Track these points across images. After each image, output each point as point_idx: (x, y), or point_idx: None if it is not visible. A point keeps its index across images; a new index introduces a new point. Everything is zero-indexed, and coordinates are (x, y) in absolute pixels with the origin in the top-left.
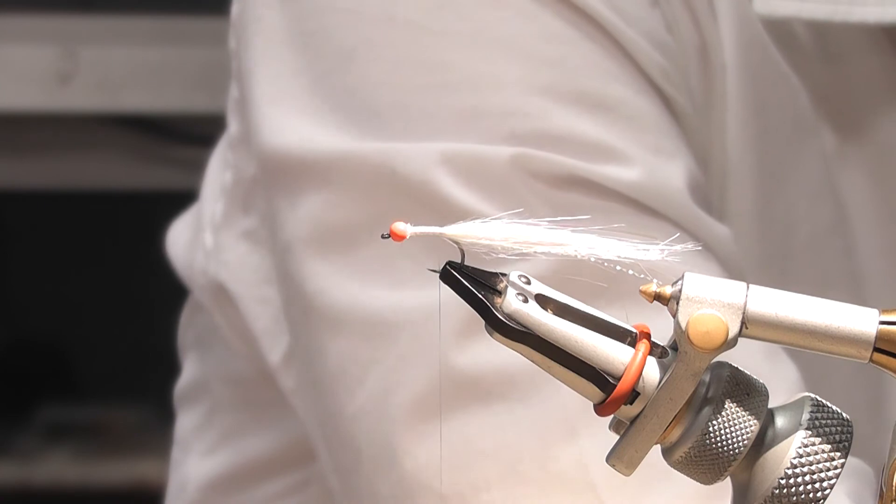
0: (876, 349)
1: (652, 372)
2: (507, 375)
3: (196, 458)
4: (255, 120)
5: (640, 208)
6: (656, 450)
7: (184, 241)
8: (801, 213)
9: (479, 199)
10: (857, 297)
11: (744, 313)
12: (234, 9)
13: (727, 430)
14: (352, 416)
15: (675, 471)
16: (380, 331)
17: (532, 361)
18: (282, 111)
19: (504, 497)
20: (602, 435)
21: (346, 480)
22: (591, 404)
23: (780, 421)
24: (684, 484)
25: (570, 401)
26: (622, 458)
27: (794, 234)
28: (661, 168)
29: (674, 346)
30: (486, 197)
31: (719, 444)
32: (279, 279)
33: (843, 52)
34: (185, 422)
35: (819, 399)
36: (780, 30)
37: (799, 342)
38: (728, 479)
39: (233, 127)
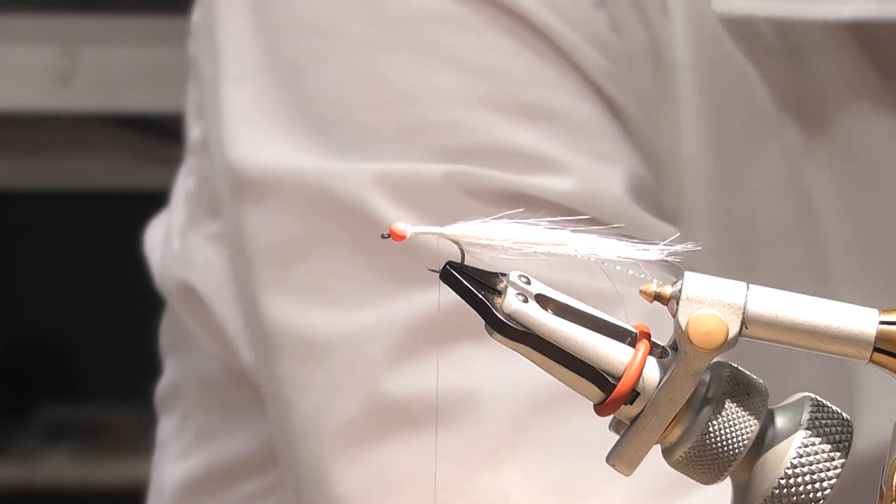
0: (876, 349)
1: (652, 372)
2: (433, 401)
3: (172, 460)
4: (216, 128)
5: (575, 215)
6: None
7: (157, 241)
8: (763, 207)
9: (414, 219)
10: (824, 290)
11: (744, 313)
12: (196, 16)
13: (727, 430)
14: (292, 437)
15: (603, 492)
16: (314, 353)
17: (532, 361)
18: (236, 123)
19: None
20: (526, 462)
21: (294, 495)
22: (517, 431)
23: (780, 421)
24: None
25: (493, 428)
26: (622, 458)
27: (756, 228)
28: (600, 175)
29: (674, 346)
30: (420, 216)
31: (719, 444)
32: (237, 281)
33: (806, 48)
34: (164, 425)
35: (819, 399)
36: (743, 27)
37: (799, 342)
38: (728, 479)
39: (194, 132)
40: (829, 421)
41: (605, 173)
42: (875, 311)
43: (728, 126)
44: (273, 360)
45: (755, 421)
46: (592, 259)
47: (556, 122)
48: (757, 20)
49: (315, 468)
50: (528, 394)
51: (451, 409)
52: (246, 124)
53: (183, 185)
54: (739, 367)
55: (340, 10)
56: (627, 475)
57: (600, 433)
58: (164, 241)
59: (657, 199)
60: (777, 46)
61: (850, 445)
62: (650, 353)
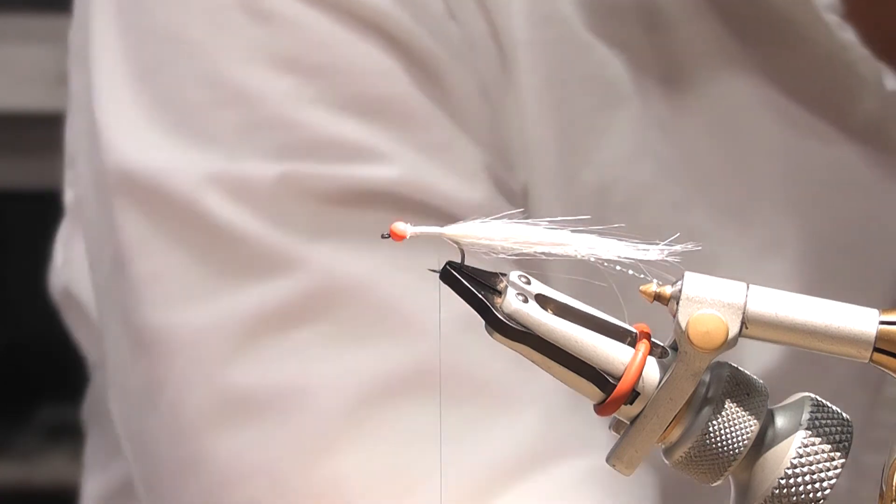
0: (876, 349)
1: (652, 372)
2: (272, 392)
3: (95, 474)
4: (90, 131)
5: (405, 204)
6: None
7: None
8: (616, 175)
9: (249, 218)
10: (696, 254)
11: (744, 313)
12: (71, 32)
13: (727, 430)
14: (150, 433)
15: (435, 479)
16: (161, 352)
17: (532, 361)
18: (110, 124)
19: None
20: (362, 450)
21: (147, 494)
22: (353, 420)
23: (780, 421)
24: (449, 489)
25: (330, 417)
26: (622, 458)
27: (610, 196)
28: (429, 162)
29: (674, 346)
30: (256, 215)
31: (719, 444)
32: (96, 287)
33: (667, 20)
34: (87, 443)
35: (819, 399)
36: (602, 3)
37: (799, 342)
38: (728, 478)
39: (71, 146)
40: (829, 421)
41: (436, 161)
42: (875, 311)
43: (572, 101)
44: (131, 360)
45: (755, 421)
46: (592, 259)
47: (386, 114)
48: None
49: (177, 466)
50: (364, 383)
51: (288, 398)
52: (118, 125)
53: (66, 198)
54: (739, 367)
55: (187, 17)
56: (627, 475)
57: (431, 422)
58: (54, 252)
59: (503, 181)
60: (637, 20)
61: (850, 445)
62: (650, 353)
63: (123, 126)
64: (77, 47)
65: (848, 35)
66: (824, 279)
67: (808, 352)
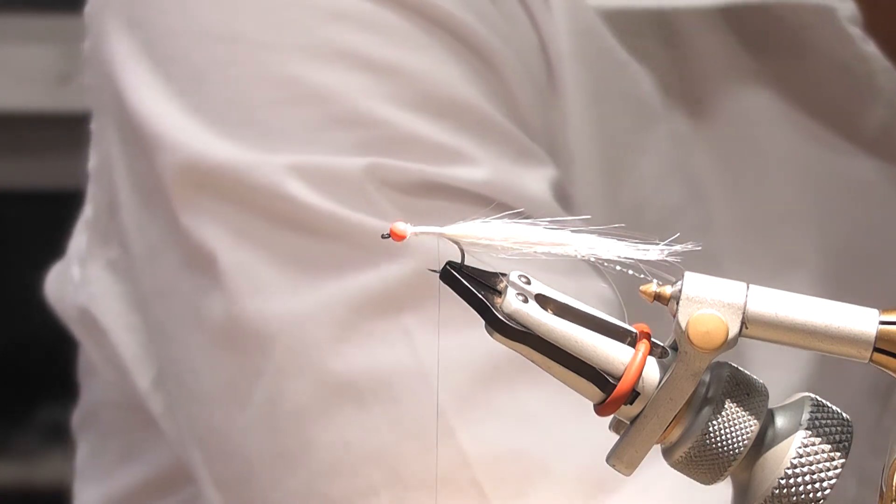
0: (876, 349)
1: (652, 372)
2: (381, 376)
3: (93, 484)
4: (154, 141)
5: (491, 204)
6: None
7: (56, 280)
8: (651, 194)
9: (334, 205)
10: (715, 270)
11: (744, 313)
12: (86, 45)
13: (727, 430)
14: (242, 429)
15: (561, 460)
16: (256, 343)
17: (532, 361)
18: (158, 125)
19: (392, 501)
20: (479, 429)
21: (234, 493)
22: (466, 401)
23: (780, 421)
24: (566, 479)
25: (444, 397)
26: (622, 458)
27: (645, 214)
28: (511, 167)
29: (674, 346)
30: (342, 203)
31: (719, 444)
32: (152, 295)
33: (683, 36)
34: (82, 450)
35: (819, 399)
36: (623, 19)
37: (799, 342)
38: (728, 479)
39: (91, 161)
40: (829, 421)
41: (516, 166)
42: (875, 312)
43: (612, 117)
44: (210, 355)
45: (755, 421)
46: (592, 259)
47: (462, 117)
48: (631, 11)
49: (277, 456)
50: (474, 365)
51: (400, 382)
52: (175, 128)
53: (84, 214)
54: (739, 367)
55: (238, 14)
56: (627, 475)
57: (546, 402)
58: (62, 273)
59: (561, 188)
60: (656, 36)
61: (850, 445)
62: (650, 353)
63: (180, 127)
64: (96, 60)
65: (870, 47)
66: (844, 293)
67: (831, 369)
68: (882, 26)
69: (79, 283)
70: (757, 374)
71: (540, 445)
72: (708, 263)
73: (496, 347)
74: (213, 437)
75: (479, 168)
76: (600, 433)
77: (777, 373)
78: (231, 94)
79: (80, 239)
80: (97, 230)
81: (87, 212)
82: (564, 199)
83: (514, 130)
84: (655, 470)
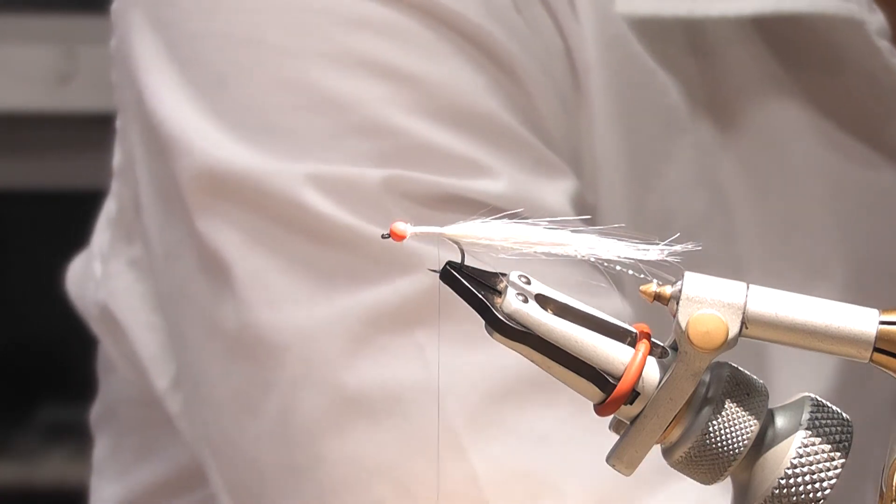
0: (876, 349)
1: (652, 372)
2: (394, 391)
3: (111, 480)
4: (173, 144)
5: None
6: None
7: (78, 274)
8: (677, 203)
9: (351, 217)
10: (740, 279)
11: (744, 313)
12: (112, 42)
13: (727, 430)
14: (253, 439)
15: (572, 481)
16: (269, 354)
17: (532, 361)
18: (179, 129)
19: None
20: (490, 448)
21: (245, 501)
22: (479, 420)
23: (780, 421)
24: (577, 501)
25: (455, 416)
26: (622, 458)
27: (671, 223)
28: (530, 179)
29: (674, 346)
30: (359, 215)
31: (719, 444)
32: (170, 297)
33: (712, 45)
34: (100, 446)
35: (819, 399)
36: (651, 27)
37: (799, 342)
38: (728, 479)
39: (116, 157)
40: (829, 421)
41: (535, 178)
42: (875, 311)
43: (639, 126)
44: (224, 363)
45: (755, 421)
46: (592, 259)
47: (483, 129)
48: (660, 20)
49: (285, 467)
50: (488, 382)
51: (410, 399)
52: (195, 132)
53: (106, 211)
54: (739, 368)
55: (261, 19)
56: (627, 475)
57: (559, 422)
58: (84, 269)
59: (582, 198)
60: (685, 44)
61: (850, 445)
62: (650, 353)
63: (199, 132)
64: (121, 58)
65: None
66: (869, 303)
67: (853, 382)
68: None
69: (100, 279)
70: (779, 388)
71: (551, 466)
72: (733, 272)
73: (509, 366)
74: (225, 444)
75: (498, 181)
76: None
77: (799, 386)
78: (251, 99)
79: (102, 236)
80: (121, 227)
81: (111, 208)
82: (587, 209)
83: (533, 141)
84: (663, 495)
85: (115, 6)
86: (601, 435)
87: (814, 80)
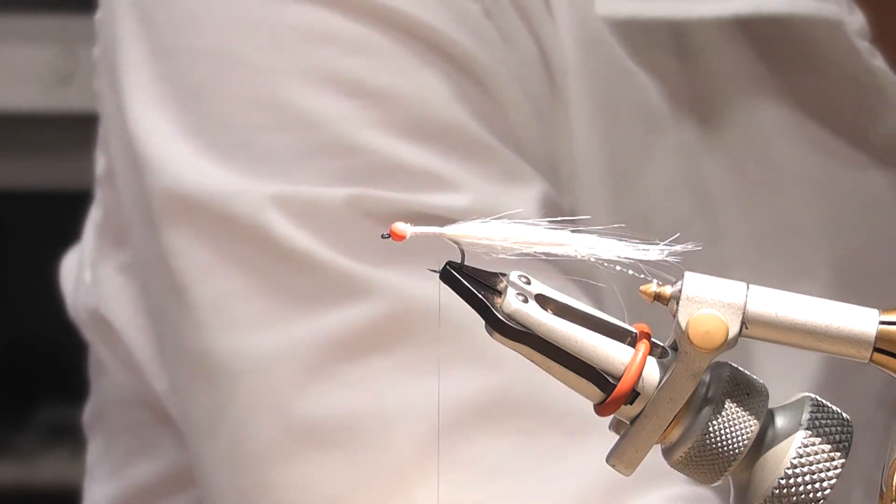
0: (876, 349)
1: (652, 372)
2: (344, 422)
3: (101, 481)
4: (130, 156)
5: None
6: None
7: (69, 277)
8: (659, 204)
9: (314, 241)
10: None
11: (744, 313)
12: (96, 51)
13: (727, 430)
14: (210, 461)
15: None
16: (224, 379)
17: (532, 361)
18: (153, 148)
19: None
20: (433, 483)
21: None
22: (427, 452)
23: (780, 421)
24: None
25: (404, 449)
26: (622, 458)
27: (652, 224)
28: (499, 190)
29: (674, 346)
30: (322, 238)
31: (719, 444)
32: (150, 307)
33: (696, 46)
34: (92, 448)
35: (819, 399)
36: (633, 28)
37: (799, 342)
38: (728, 479)
39: (99, 164)
40: (829, 421)
41: (502, 190)
42: (875, 312)
43: (619, 127)
44: (190, 385)
45: (755, 421)
46: (592, 259)
47: (450, 142)
48: (640, 21)
49: (238, 494)
50: (434, 414)
51: (361, 429)
52: (164, 148)
53: (92, 217)
54: (739, 368)
55: (236, 35)
56: (627, 475)
57: (509, 454)
58: (76, 273)
59: (557, 205)
60: (667, 45)
61: (850, 445)
62: (650, 353)
63: (170, 149)
64: (105, 67)
65: (878, 61)
66: (855, 303)
67: (837, 379)
68: (891, 40)
69: (90, 285)
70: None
71: (501, 499)
72: (718, 273)
73: (459, 396)
74: (194, 460)
75: (461, 194)
76: (567, 480)
77: (782, 384)
78: (222, 116)
79: (89, 243)
80: (108, 233)
81: (96, 215)
82: (563, 213)
83: (501, 150)
84: None
85: (99, 16)
86: (551, 465)
87: (798, 80)
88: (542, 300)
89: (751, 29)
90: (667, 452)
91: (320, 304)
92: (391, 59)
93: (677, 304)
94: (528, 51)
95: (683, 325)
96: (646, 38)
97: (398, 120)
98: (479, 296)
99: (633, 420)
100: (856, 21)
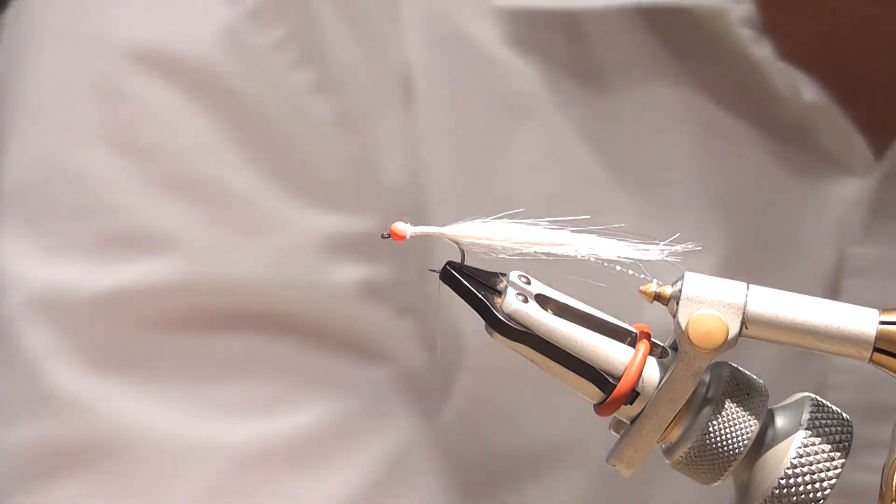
0: (876, 349)
1: (652, 372)
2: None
3: None
4: None
5: (193, 306)
6: None
7: None
8: (521, 185)
9: (55, 345)
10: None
11: (744, 313)
12: None
13: (727, 430)
14: None
15: None
16: None
17: (532, 361)
18: None
19: None
20: None
21: None
22: (224, 487)
23: (780, 421)
24: None
25: (198, 486)
26: (622, 458)
27: (514, 205)
28: (237, 242)
29: (674, 346)
30: (62, 341)
31: (719, 444)
32: None
33: (588, 28)
34: None
35: (819, 399)
36: (524, 16)
37: (799, 342)
38: (729, 479)
39: None
40: (829, 421)
41: (244, 240)
42: (875, 312)
43: (471, 119)
44: None
45: (755, 421)
46: (592, 259)
47: (202, 194)
48: (534, 11)
49: None
50: (237, 450)
51: (148, 462)
52: None
53: None
54: (739, 368)
55: (35, 87)
56: (627, 475)
57: (310, 493)
58: None
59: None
60: (557, 29)
61: (850, 445)
62: (650, 353)
63: None
64: None
65: (762, 50)
66: (748, 276)
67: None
68: (780, 27)
69: None
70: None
71: None
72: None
73: (259, 435)
74: None
75: (178, 255)
76: None
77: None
78: (12, 171)
79: None
80: None
81: None
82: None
83: (273, 194)
84: None
85: None
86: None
87: (695, 65)
88: (542, 300)
89: (654, 16)
90: (667, 452)
91: (17, 415)
92: (164, 112)
93: (677, 304)
94: (347, 58)
95: (683, 325)
96: (533, 23)
97: (158, 176)
98: (479, 296)
99: (633, 420)
100: (741, 9)
